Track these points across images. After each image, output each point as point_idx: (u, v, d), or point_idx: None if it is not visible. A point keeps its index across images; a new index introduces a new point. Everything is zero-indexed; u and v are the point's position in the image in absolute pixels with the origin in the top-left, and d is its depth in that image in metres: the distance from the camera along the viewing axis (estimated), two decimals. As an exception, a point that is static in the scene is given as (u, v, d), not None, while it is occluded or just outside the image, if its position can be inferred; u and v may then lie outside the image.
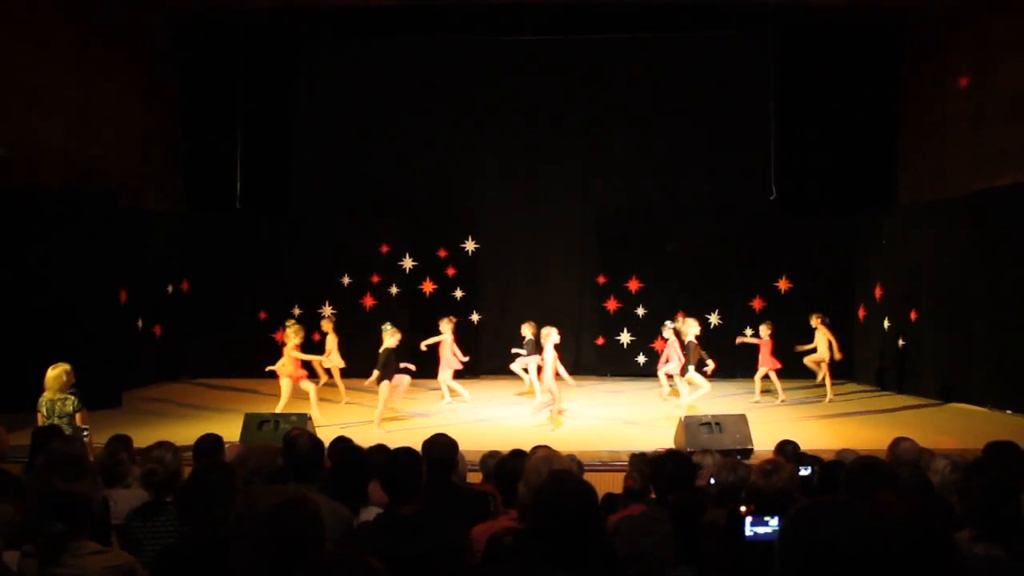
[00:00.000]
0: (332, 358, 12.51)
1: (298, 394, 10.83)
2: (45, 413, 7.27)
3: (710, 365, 11.24)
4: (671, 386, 12.72)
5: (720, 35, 15.33)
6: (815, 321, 12.76)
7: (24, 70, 12.02)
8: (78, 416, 7.29)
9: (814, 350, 12.76)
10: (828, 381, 12.64)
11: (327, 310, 14.16)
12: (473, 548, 3.60)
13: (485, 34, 15.29)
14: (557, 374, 10.39)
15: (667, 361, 12.65)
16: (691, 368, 11.13)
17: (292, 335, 10.50)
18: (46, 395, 7.33)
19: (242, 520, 2.31)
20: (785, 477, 3.46)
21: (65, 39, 12.95)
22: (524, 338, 12.63)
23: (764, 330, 12.59)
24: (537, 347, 12.46)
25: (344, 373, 12.89)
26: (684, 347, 11.35)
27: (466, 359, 12.88)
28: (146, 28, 15.28)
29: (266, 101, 16.03)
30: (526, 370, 12.65)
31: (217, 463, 4.10)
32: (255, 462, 4.41)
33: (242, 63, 15.78)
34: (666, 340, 12.76)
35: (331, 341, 12.69)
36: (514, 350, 12.83)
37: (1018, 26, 12.24)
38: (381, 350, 10.36)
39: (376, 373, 10.25)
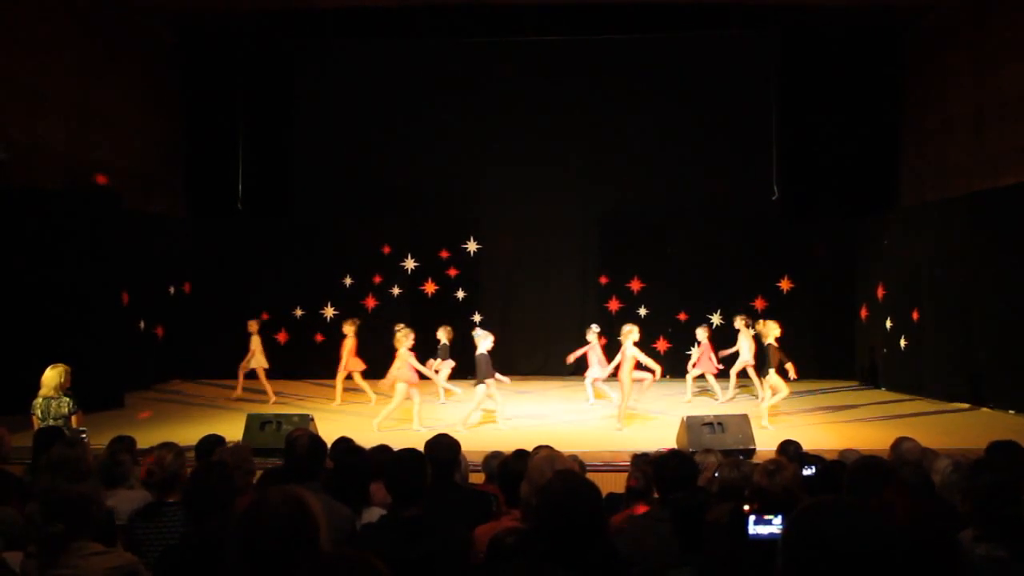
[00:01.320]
0: (256, 359, 12.48)
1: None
2: (40, 415, 7.26)
3: (791, 369, 10.98)
4: (596, 390, 12.51)
5: (723, 36, 15.35)
6: (739, 323, 12.68)
7: (26, 73, 12.04)
8: (74, 418, 7.29)
9: (736, 354, 12.70)
10: (757, 382, 12.39)
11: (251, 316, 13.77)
12: (476, 549, 3.60)
13: (487, 35, 15.30)
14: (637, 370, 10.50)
15: (589, 366, 12.38)
16: (771, 371, 10.60)
17: (403, 338, 10.34)
18: (41, 394, 7.32)
19: (235, 520, 2.31)
20: (789, 476, 3.46)
21: (68, 42, 12.96)
22: (439, 342, 12.60)
23: (701, 333, 12.48)
24: (450, 353, 12.48)
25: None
26: (763, 350, 10.98)
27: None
28: (148, 31, 15.31)
29: (268, 103, 16.06)
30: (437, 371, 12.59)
31: (216, 463, 4.12)
32: (231, 461, 4.44)
33: (244, 66, 15.81)
34: (589, 343, 12.43)
35: (255, 342, 12.59)
36: (432, 363, 12.50)
37: (1019, 27, 12.23)
38: (477, 355, 10.34)
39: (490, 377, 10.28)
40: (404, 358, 10.25)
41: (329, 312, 15.61)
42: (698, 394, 13.01)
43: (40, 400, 7.30)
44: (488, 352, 10.31)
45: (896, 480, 4.06)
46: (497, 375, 10.41)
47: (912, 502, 3.75)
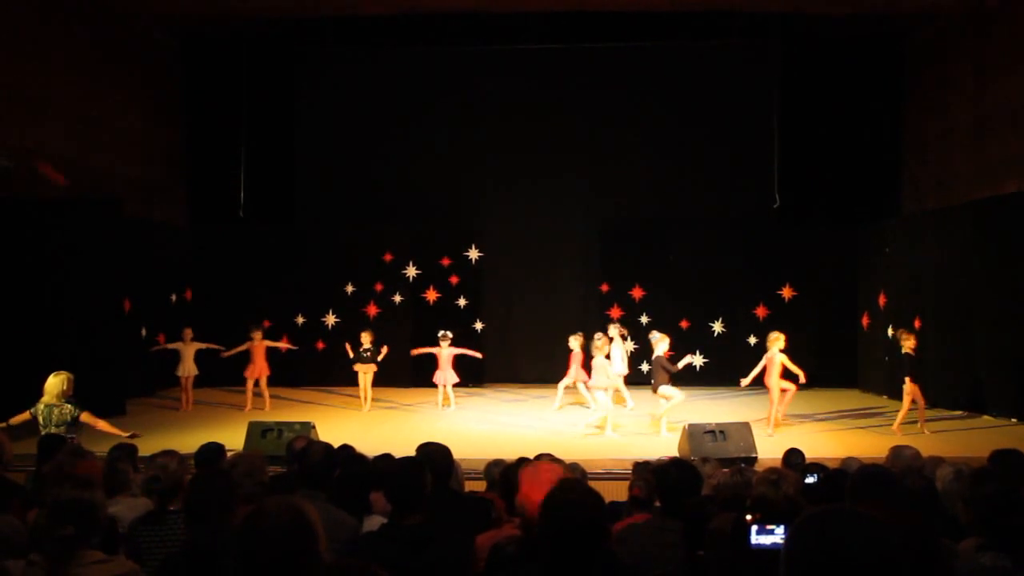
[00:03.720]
0: (188, 363, 12.70)
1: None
2: (42, 421, 7.26)
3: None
4: (445, 395, 12.74)
5: (724, 45, 15.38)
6: (614, 332, 12.79)
7: (28, 81, 12.07)
8: (83, 415, 7.32)
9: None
10: (623, 395, 12.62)
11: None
12: (476, 557, 3.59)
13: (488, 44, 15.34)
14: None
15: (439, 370, 12.68)
16: (907, 380, 10.72)
17: (602, 347, 10.64)
18: (43, 401, 7.32)
19: (234, 530, 2.31)
20: (791, 484, 3.45)
21: (70, 50, 13.00)
22: (362, 346, 12.68)
23: (574, 342, 12.45)
24: (375, 357, 12.58)
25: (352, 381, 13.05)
26: (899, 359, 10.93)
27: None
28: (151, 40, 15.35)
29: (270, 111, 16.10)
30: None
31: (216, 471, 4.10)
32: (243, 467, 4.42)
33: (246, 74, 15.87)
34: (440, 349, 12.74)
35: (188, 347, 12.75)
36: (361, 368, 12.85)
37: (1020, 36, 12.25)
38: (653, 358, 10.59)
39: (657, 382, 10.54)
40: (601, 365, 10.43)
41: (331, 320, 15.61)
42: (571, 404, 12.94)
43: (42, 407, 7.30)
44: (666, 355, 10.51)
45: (898, 489, 4.04)
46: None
47: (900, 512, 3.73)
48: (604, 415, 10.50)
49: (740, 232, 15.53)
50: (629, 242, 15.75)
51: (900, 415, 10.77)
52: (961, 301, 12.48)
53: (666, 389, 10.41)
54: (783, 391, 10.78)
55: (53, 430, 7.10)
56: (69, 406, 7.31)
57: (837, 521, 1.82)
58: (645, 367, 15.16)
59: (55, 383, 7.35)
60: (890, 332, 11.78)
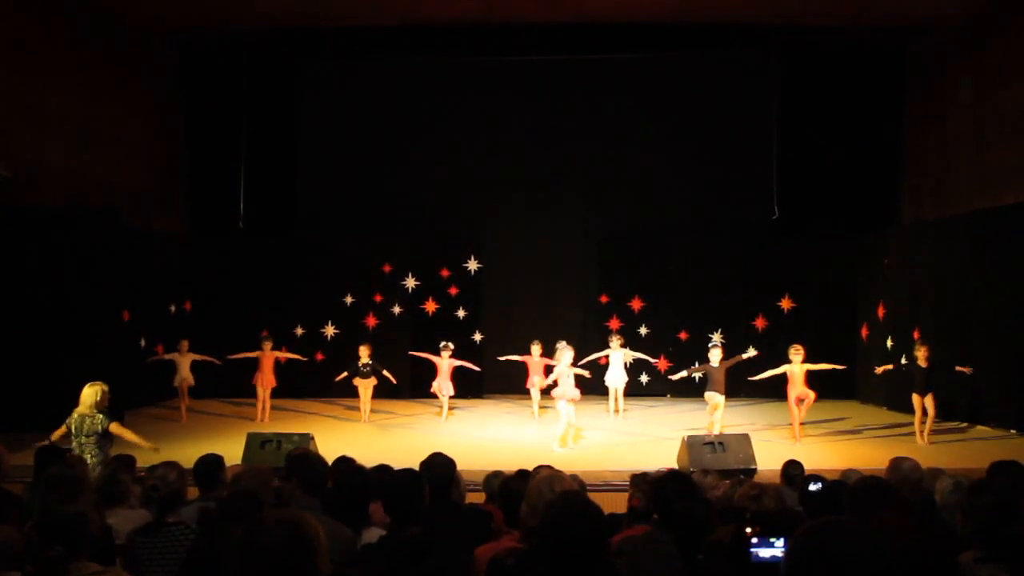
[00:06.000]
0: (183, 374, 12.72)
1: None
2: (73, 431, 7.26)
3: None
4: (440, 406, 12.85)
5: (724, 57, 15.42)
6: (615, 343, 13.12)
7: (29, 90, 12.09)
8: (112, 425, 7.32)
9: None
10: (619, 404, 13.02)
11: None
12: (475, 569, 3.58)
13: (489, 55, 15.37)
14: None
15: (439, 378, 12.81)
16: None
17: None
18: (78, 410, 7.34)
19: (232, 545, 2.30)
20: (772, 499, 3.44)
21: (70, 61, 13.02)
22: (360, 360, 12.65)
23: (535, 349, 12.71)
24: (374, 371, 12.57)
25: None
26: (922, 371, 11.11)
27: None
28: (152, 50, 15.38)
29: (270, 122, 16.13)
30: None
31: (244, 495, 4.03)
32: (247, 483, 4.39)
33: (247, 84, 15.90)
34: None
35: (184, 358, 12.76)
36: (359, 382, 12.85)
37: (1020, 47, 12.30)
38: (717, 365, 10.87)
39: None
40: (564, 374, 10.36)
41: (330, 331, 15.59)
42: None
43: (76, 416, 7.32)
44: (720, 365, 10.85)
45: (897, 500, 4.04)
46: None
47: (912, 523, 3.73)
48: (565, 427, 10.33)
49: (739, 243, 15.54)
50: (628, 253, 15.75)
51: (926, 426, 10.94)
52: (960, 312, 12.48)
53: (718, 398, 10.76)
54: (800, 400, 10.84)
55: (84, 440, 7.14)
56: (100, 416, 7.32)
57: (837, 534, 1.83)
58: (644, 378, 15.26)
59: (89, 393, 7.37)
60: (916, 337, 12.09)
